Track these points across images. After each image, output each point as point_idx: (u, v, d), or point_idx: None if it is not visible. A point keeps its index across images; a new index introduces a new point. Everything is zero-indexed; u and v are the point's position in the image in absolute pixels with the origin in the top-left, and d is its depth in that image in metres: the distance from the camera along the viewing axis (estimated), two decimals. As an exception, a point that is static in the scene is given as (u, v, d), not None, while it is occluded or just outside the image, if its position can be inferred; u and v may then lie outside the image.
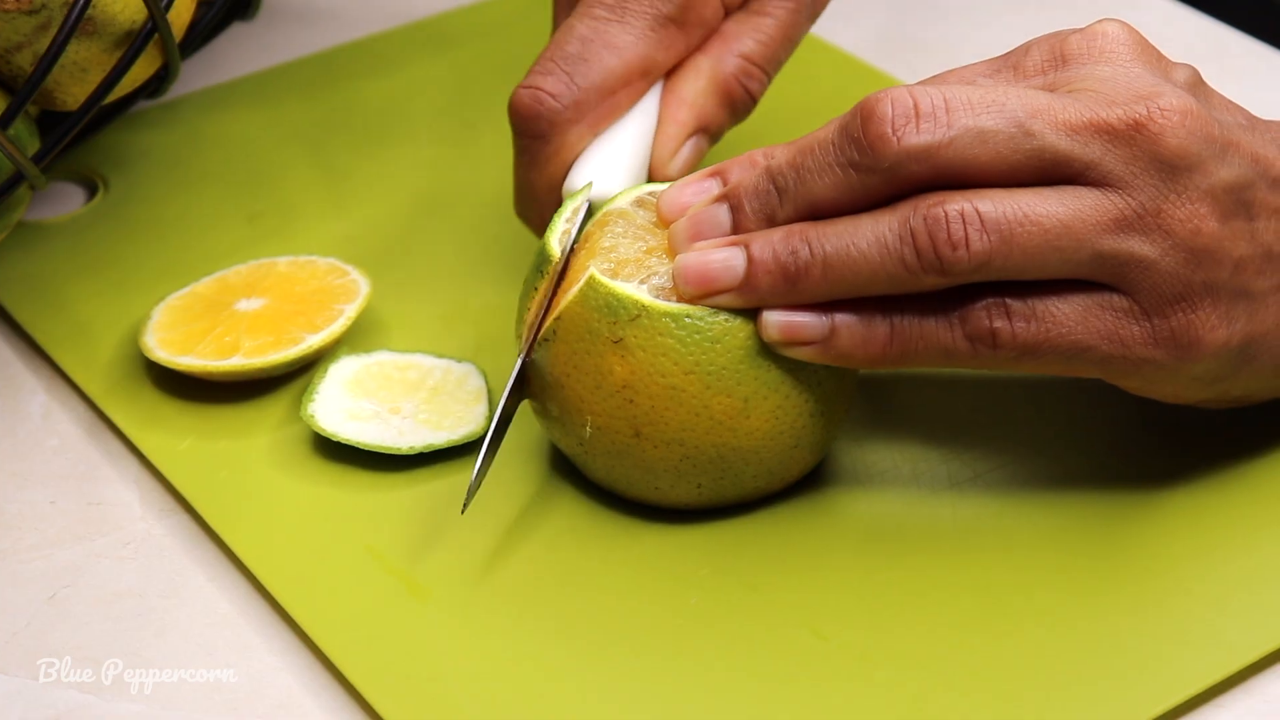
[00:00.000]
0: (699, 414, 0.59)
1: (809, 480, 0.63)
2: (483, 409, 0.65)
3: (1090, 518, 0.61)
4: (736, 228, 0.60)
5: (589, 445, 0.61)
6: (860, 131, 0.57)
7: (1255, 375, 0.60)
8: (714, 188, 0.61)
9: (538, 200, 0.68)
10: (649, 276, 0.60)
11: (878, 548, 0.61)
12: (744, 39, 0.69)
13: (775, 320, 0.59)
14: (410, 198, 0.77)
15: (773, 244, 0.58)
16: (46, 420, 0.68)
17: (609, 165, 0.67)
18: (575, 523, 0.62)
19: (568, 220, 0.63)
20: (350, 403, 0.65)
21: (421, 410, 0.65)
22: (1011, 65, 0.60)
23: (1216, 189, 0.57)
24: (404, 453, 0.64)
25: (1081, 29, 0.60)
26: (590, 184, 0.65)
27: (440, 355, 0.68)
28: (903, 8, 0.90)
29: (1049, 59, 0.60)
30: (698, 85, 0.69)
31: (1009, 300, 0.57)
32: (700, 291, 0.59)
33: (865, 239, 0.57)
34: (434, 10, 0.89)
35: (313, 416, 0.64)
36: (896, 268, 0.57)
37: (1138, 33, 0.60)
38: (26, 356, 0.70)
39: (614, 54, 0.67)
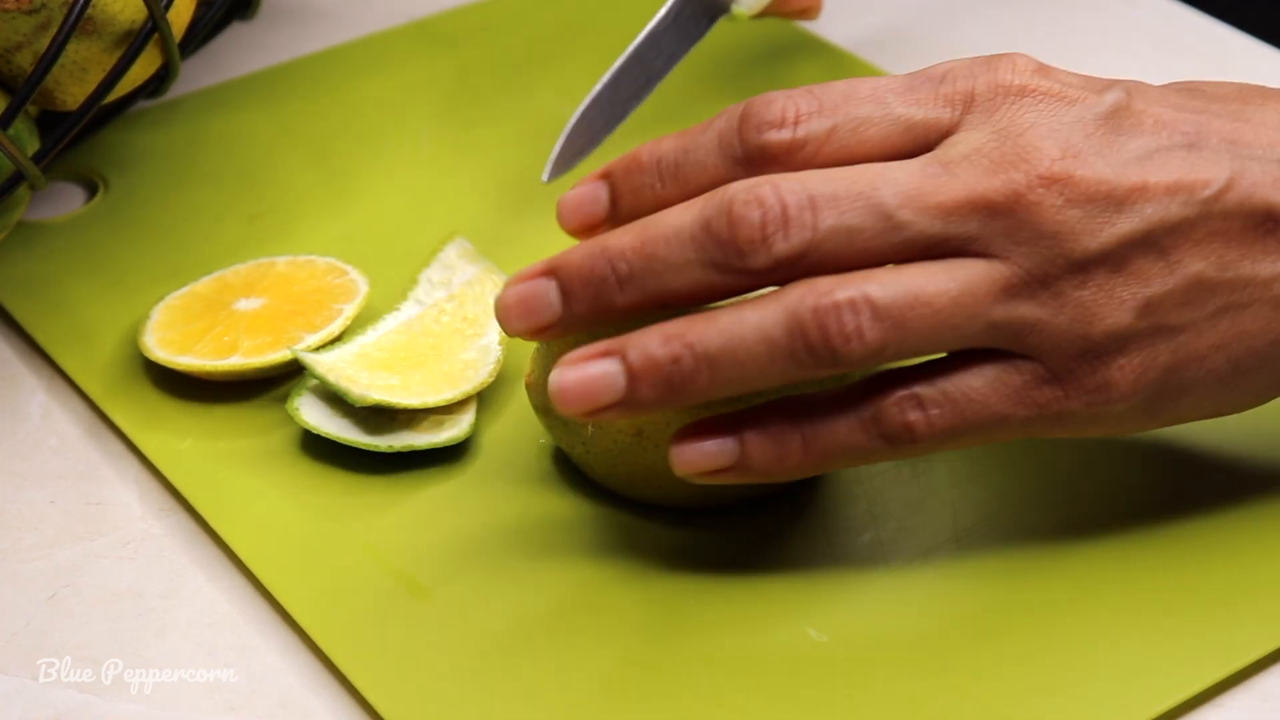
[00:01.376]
0: (700, 414, 0.59)
1: (809, 480, 0.63)
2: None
3: (1090, 517, 0.61)
4: (567, 311, 0.57)
5: (590, 445, 0.61)
6: (726, 234, 0.55)
7: (1204, 397, 0.58)
8: (602, 194, 0.59)
9: None
10: None
11: (877, 548, 0.61)
12: None
13: (686, 457, 0.57)
14: (410, 198, 0.77)
15: (650, 351, 0.55)
16: (46, 420, 0.68)
17: None
18: (575, 523, 0.62)
19: None
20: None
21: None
22: (926, 87, 0.58)
23: (1110, 244, 0.55)
24: (382, 450, 0.63)
25: (994, 66, 0.58)
26: None
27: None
28: (903, 7, 0.90)
29: (960, 97, 0.57)
30: None
31: (918, 389, 0.56)
32: (586, 410, 0.56)
33: (751, 335, 0.55)
34: (434, 10, 0.89)
35: (297, 410, 0.64)
36: (788, 364, 0.55)
37: (1047, 67, 0.58)
38: (26, 356, 0.70)
39: None
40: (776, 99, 0.58)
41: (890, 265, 0.56)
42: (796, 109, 0.57)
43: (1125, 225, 0.56)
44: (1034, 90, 0.57)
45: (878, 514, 0.62)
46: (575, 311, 0.57)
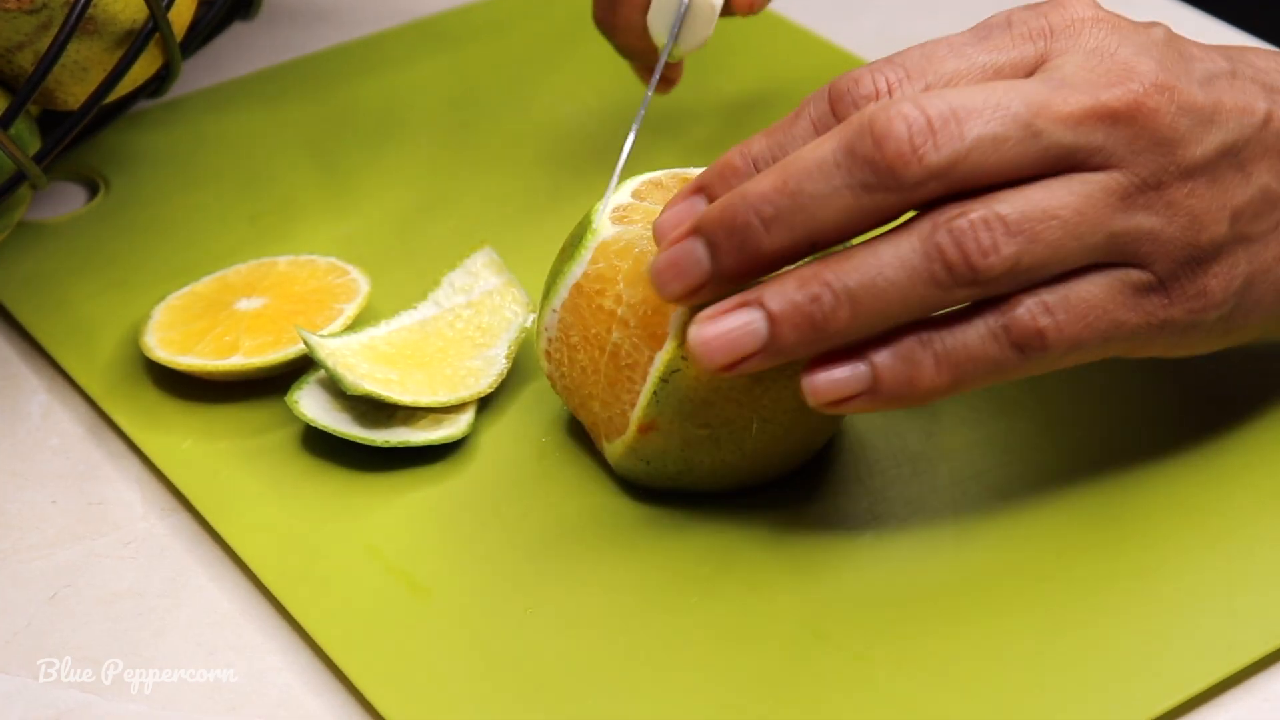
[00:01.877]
0: None
1: (810, 478, 0.63)
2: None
3: (1091, 516, 0.61)
4: (717, 266, 0.57)
5: (756, 441, 0.60)
6: (875, 153, 0.55)
7: (1268, 312, 0.61)
8: (701, 206, 0.59)
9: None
10: None
11: (878, 548, 0.61)
12: None
13: (817, 386, 0.57)
14: (410, 198, 0.77)
15: (789, 294, 0.56)
16: (47, 420, 0.68)
17: None
18: (575, 522, 0.62)
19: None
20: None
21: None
22: (997, 34, 0.60)
23: (1210, 154, 0.58)
24: (377, 445, 0.63)
25: (1058, 4, 0.60)
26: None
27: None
28: (903, 7, 0.90)
29: (1038, 32, 0.59)
30: None
31: (1046, 298, 0.57)
32: (729, 363, 0.56)
33: (890, 265, 0.55)
34: (434, 10, 0.89)
35: (296, 402, 0.64)
36: (928, 288, 0.55)
37: (1104, 9, 0.60)
38: (27, 356, 0.70)
39: None
40: (863, 75, 0.58)
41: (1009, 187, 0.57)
42: (886, 79, 0.58)
43: (1218, 137, 0.58)
44: (1103, 20, 0.60)
45: (879, 513, 0.62)
46: (724, 265, 0.57)
